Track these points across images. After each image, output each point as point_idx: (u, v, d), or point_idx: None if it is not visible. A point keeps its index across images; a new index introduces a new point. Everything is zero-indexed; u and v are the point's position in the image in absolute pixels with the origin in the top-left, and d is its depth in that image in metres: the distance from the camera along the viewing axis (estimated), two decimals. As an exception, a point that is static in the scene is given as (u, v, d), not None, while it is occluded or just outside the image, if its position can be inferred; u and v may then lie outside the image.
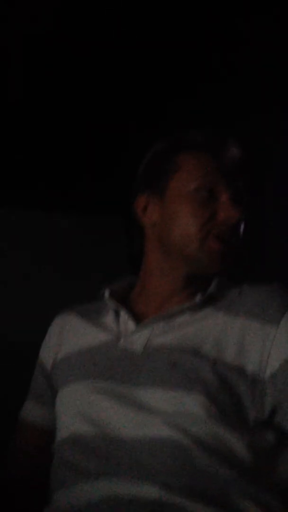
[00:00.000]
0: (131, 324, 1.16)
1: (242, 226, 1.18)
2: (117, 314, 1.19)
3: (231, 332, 1.09)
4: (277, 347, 1.06)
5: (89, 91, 2.32)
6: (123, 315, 1.18)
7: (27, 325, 1.39)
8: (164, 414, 1.02)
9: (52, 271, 2.05)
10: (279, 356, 1.05)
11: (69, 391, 1.14)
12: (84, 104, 2.30)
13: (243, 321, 1.09)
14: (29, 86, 2.27)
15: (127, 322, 1.17)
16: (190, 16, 2.18)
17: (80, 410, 1.09)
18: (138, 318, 1.17)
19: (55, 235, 2.11)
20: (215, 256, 1.14)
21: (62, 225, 2.12)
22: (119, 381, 1.08)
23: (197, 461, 0.99)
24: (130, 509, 0.96)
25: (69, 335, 1.23)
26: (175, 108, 2.27)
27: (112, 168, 1.97)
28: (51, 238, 2.11)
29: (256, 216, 1.29)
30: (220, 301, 1.15)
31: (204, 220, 1.15)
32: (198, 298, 1.14)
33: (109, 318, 1.20)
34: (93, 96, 2.34)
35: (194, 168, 1.17)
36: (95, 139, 2.28)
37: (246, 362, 1.05)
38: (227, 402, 1.02)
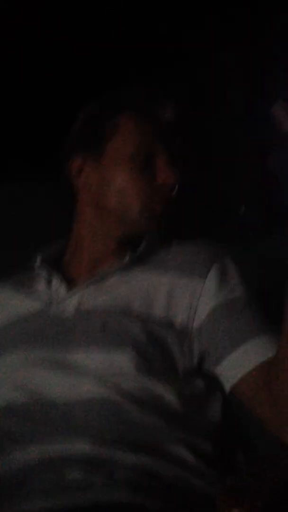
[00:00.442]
0: (62, 290, 1.17)
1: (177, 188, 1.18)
2: (49, 281, 1.20)
3: (159, 288, 1.11)
4: (203, 299, 1.09)
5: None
6: (55, 281, 1.18)
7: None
8: (95, 374, 1.04)
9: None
10: (205, 307, 1.09)
11: (2, 362, 1.14)
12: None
13: (171, 277, 1.12)
14: None
15: (59, 288, 1.17)
16: None
17: (14, 379, 1.10)
18: (71, 283, 1.18)
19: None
20: (155, 219, 1.16)
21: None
22: (51, 347, 1.10)
23: (128, 414, 1.02)
24: (64, 466, 0.98)
25: (1, 307, 1.22)
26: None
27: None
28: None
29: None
30: (149, 260, 1.17)
31: (143, 184, 1.16)
32: (127, 258, 1.16)
33: (41, 286, 1.21)
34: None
35: (132, 132, 1.18)
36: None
37: (175, 316, 1.09)
38: (156, 356, 1.05)
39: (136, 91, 1.24)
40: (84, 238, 1.21)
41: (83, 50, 2.27)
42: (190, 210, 2.25)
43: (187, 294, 1.10)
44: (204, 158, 2.39)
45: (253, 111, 2.38)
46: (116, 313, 1.10)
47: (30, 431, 1.04)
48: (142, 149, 1.17)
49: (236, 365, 1.05)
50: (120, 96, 1.23)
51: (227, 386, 1.06)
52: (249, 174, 2.29)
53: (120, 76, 2.12)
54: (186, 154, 1.24)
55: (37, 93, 2.28)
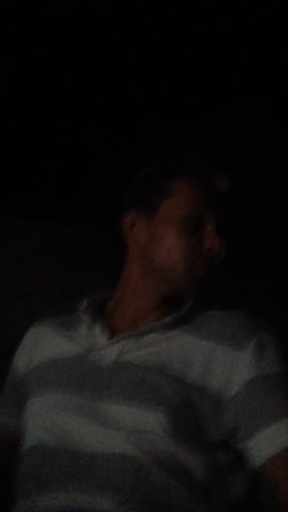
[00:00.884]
0: (104, 338, 1.18)
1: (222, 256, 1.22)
2: (90, 327, 1.22)
3: (198, 353, 1.12)
4: (240, 370, 1.10)
5: (84, 108, 2.38)
6: (98, 327, 1.20)
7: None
8: (125, 430, 1.05)
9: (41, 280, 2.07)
10: (241, 379, 1.09)
11: (36, 403, 1.15)
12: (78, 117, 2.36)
13: (211, 344, 1.13)
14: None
15: (100, 335, 1.19)
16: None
17: (45, 422, 1.11)
18: (111, 332, 1.20)
19: (49, 244, 2.14)
20: (197, 282, 1.19)
21: (56, 234, 2.15)
22: (86, 395, 1.10)
23: (152, 478, 1.02)
24: None
25: (42, 346, 1.24)
26: (169, 129, 2.33)
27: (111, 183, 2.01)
28: (43, 247, 2.14)
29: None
30: (189, 323, 1.18)
31: (190, 247, 1.19)
32: (169, 318, 1.18)
33: (83, 330, 1.22)
34: (87, 113, 2.39)
35: (186, 196, 1.22)
36: (97, 154, 2.33)
37: (210, 384, 1.09)
38: (186, 422, 1.06)
39: (194, 157, 1.28)
40: (129, 291, 1.23)
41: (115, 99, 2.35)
42: (221, 278, 2.28)
43: (224, 363, 1.10)
44: (238, 228, 2.44)
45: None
46: (153, 370, 1.10)
47: (55, 477, 1.04)
48: (193, 212, 1.21)
49: (266, 444, 1.05)
50: (179, 160, 1.27)
51: (255, 463, 1.06)
52: (276, 244, 2.32)
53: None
54: (232, 222, 1.27)
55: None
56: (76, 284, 1.42)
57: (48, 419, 1.11)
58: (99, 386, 1.11)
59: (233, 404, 1.08)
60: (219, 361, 1.10)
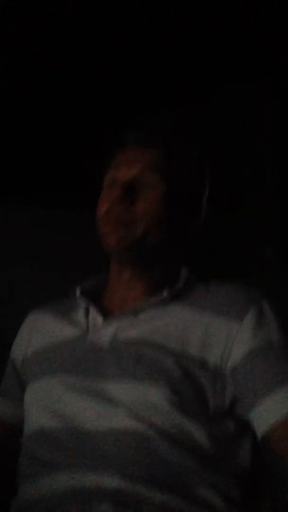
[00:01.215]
0: (99, 319, 1.18)
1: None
2: (87, 311, 1.21)
3: (196, 327, 1.12)
4: (239, 341, 1.09)
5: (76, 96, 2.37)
6: (92, 310, 1.20)
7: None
8: (128, 406, 1.05)
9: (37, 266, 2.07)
10: (240, 350, 1.09)
11: (37, 386, 1.16)
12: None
13: (208, 316, 1.12)
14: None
15: (95, 317, 1.19)
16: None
17: (47, 404, 1.11)
18: (108, 314, 1.19)
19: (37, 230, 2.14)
20: (105, 234, 1.17)
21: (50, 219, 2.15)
22: (86, 375, 1.10)
23: (159, 451, 1.02)
24: (92, 498, 0.99)
25: (39, 332, 1.24)
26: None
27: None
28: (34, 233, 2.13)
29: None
30: (186, 296, 1.18)
31: (102, 211, 1.19)
32: (165, 293, 1.17)
33: (79, 314, 1.22)
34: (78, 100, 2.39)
35: (113, 163, 1.22)
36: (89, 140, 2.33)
37: (209, 356, 1.09)
38: (189, 393, 1.06)
39: (129, 130, 1.26)
40: (111, 271, 1.24)
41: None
42: (220, 250, 2.27)
43: (223, 334, 1.10)
44: (235, 199, 2.43)
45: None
46: (151, 346, 1.10)
47: (60, 458, 1.05)
48: (111, 176, 1.21)
49: (270, 412, 1.04)
50: (122, 133, 1.26)
51: (259, 433, 1.06)
52: (280, 214, 2.31)
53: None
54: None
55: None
56: (73, 269, 1.40)
57: (49, 401, 1.11)
58: (98, 365, 1.11)
59: (235, 375, 1.08)
60: (218, 333, 1.10)
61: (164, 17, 2.24)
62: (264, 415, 1.04)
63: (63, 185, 2.31)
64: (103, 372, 1.10)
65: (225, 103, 2.45)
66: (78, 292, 1.23)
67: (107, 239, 1.17)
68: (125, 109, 2.35)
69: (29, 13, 2.13)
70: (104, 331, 1.16)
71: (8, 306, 1.97)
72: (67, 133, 2.43)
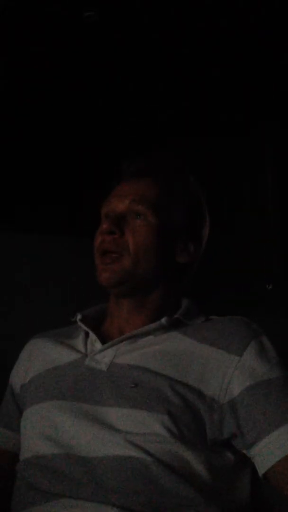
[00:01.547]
0: (97, 345, 1.18)
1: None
2: (86, 336, 1.22)
3: (195, 357, 1.11)
4: (238, 376, 1.09)
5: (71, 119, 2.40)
6: (91, 336, 1.20)
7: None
8: (126, 433, 1.04)
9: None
10: (239, 385, 1.08)
11: (33, 411, 1.15)
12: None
13: (207, 348, 1.12)
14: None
15: (94, 342, 1.19)
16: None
17: (43, 430, 1.10)
18: (107, 340, 1.19)
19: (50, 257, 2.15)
20: (98, 271, 1.19)
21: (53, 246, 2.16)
22: (83, 399, 1.10)
23: (157, 479, 1.01)
24: None
25: (39, 358, 1.24)
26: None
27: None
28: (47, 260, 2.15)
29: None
30: (186, 327, 1.18)
31: (97, 242, 1.21)
32: (164, 320, 1.17)
33: (78, 340, 1.23)
34: (74, 123, 2.42)
35: (107, 198, 1.24)
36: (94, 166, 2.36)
37: (206, 387, 1.08)
38: (187, 421, 1.05)
39: (132, 162, 1.28)
40: (111, 298, 1.24)
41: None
42: (220, 284, 2.28)
43: (222, 368, 1.09)
44: (233, 231, 2.45)
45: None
46: (149, 371, 1.10)
47: (56, 486, 1.03)
48: (103, 211, 1.23)
49: (270, 450, 1.03)
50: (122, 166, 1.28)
51: (261, 470, 1.05)
52: (278, 250, 2.32)
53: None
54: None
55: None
56: (74, 297, 1.41)
57: (45, 426, 1.10)
58: (96, 390, 1.10)
59: (234, 409, 1.07)
60: (216, 366, 1.10)
61: (166, 44, 2.28)
62: (265, 453, 1.04)
63: (65, 212, 2.34)
64: (100, 397, 1.09)
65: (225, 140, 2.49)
66: (78, 317, 1.23)
67: (100, 274, 1.18)
68: (128, 141, 2.38)
69: (26, 30, 2.17)
70: (102, 356, 1.15)
71: (8, 331, 1.97)
72: (71, 160, 2.46)
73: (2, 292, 2.13)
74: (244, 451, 1.08)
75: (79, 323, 1.23)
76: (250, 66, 2.35)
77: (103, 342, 1.18)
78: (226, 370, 1.09)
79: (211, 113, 2.53)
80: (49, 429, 1.10)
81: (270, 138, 2.43)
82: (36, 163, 2.44)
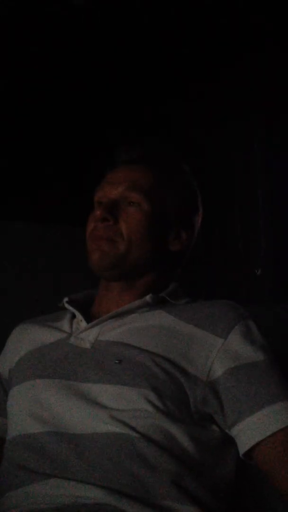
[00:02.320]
0: (83, 323, 1.20)
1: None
2: (73, 318, 1.24)
3: (179, 335, 1.12)
4: (221, 358, 1.10)
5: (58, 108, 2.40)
6: (78, 316, 1.22)
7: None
8: (111, 409, 1.06)
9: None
10: (222, 365, 1.09)
11: (19, 389, 1.16)
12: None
13: (192, 328, 1.13)
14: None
15: (79, 322, 1.21)
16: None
17: (29, 408, 1.11)
18: (93, 320, 1.20)
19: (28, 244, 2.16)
20: (90, 252, 1.21)
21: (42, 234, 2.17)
22: (67, 377, 1.11)
23: (143, 455, 1.02)
24: (75, 510, 0.98)
25: (25, 341, 1.25)
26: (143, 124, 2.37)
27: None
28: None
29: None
30: (172, 306, 1.19)
31: (90, 228, 1.23)
32: (148, 297, 1.19)
33: (64, 321, 1.24)
34: (65, 109, 2.41)
35: (100, 186, 1.26)
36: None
37: (190, 365, 1.09)
38: (172, 396, 1.06)
39: (119, 150, 1.29)
40: (101, 287, 1.26)
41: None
42: (209, 269, 2.29)
43: (205, 349, 1.10)
44: (224, 219, 2.46)
45: (274, 175, 2.45)
46: (133, 347, 1.11)
47: (43, 466, 1.04)
48: (96, 198, 1.25)
49: (253, 430, 1.05)
50: (114, 153, 1.29)
51: (241, 450, 1.06)
52: (267, 236, 2.33)
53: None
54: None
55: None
56: (64, 284, 1.42)
57: (32, 404, 1.11)
58: (81, 367, 1.11)
59: (216, 389, 1.08)
60: (199, 345, 1.11)
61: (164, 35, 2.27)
62: (248, 433, 1.05)
63: (58, 201, 2.34)
64: (84, 374, 1.10)
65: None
66: (65, 299, 1.25)
67: (92, 255, 1.20)
68: (121, 129, 2.38)
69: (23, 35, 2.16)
70: (86, 334, 1.17)
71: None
72: (64, 149, 2.46)
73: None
74: (227, 431, 1.09)
75: (66, 305, 1.24)
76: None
77: (89, 322, 1.19)
78: (210, 351, 1.10)
79: (206, 104, 2.52)
80: (35, 407, 1.10)
81: (261, 128, 2.44)
82: (28, 151, 2.43)
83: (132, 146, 1.28)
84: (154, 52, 2.31)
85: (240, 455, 1.07)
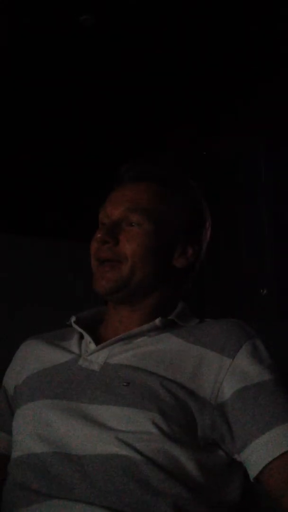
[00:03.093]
0: (92, 345, 1.19)
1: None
2: (81, 338, 1.23)
3: (187, 357, 1.12)
4: (229, 378, 1.09)
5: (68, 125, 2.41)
6: (86, 337, 1.21)
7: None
8: (117, 431, 1.05)
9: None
10: (230, 388, 1.08)
11: (25, 410, 1.15)
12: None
13: (201, 349, 1.13)
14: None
15: (88, 344, 1.20)
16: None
17: (35, 428, 1.11)
18: (101, 342, 1.19)
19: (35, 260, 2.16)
20: (94, 279, 1.21)
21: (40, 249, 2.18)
22: (75, 398, 1.10)
23: (147, 478, 1.01)
24: None
25: (32, 359, 1.24)
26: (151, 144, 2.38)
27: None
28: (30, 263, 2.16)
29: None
30: (180, 327, 1.19)
31: (93, 250, 1.22)
32: (158, 321, 1.18)
33: (72, 341, 1.23)
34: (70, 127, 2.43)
35: (104, 204, 1.25)
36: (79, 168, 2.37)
37: (199, 388, 1.09)
38: (179, 420, 1.05)
39: (122, 168, 1.28)
40: (110, 308, 1.25)
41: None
42: (215, 289, 2.29)
43: (214, 369, 1.10)
44: (230, 240, 2.46)
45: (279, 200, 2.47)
46: (142, 370, 1.10)
47: (47, 486, 1.03)
48: (100, 217, 1.24)
49: (261, 452, 1.03)
50: (118, 171, 1.28)
51: (252, 474, 1.05)
52: (271, 257, 2.34)
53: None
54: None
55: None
56: (70, 301, 1.42)
57: (37, 425, 1.10)
58: (88, 389, 1.11)
59: (224, 411, 1.07)
60: (209, 367, 1.10)
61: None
62: (255, 456, 1.04)
63: (64, 217, 2.35)
64: (91, 395, 1.09)
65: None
66: (73, 319, 1.24)
67: (96, 282, 1.19)
68: (128, 145, 2.39)
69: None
70: (96, 356, 1.16)
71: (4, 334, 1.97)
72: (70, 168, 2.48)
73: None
74: (236, 456, 1.08)
75: (74, 325, 1.24)
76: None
77: (97, 344, 1.18)
78: (219, 372, 1.09)
79: (209, 115, 2.53)
80: (40, 427, 1.10)
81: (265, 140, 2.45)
82: (36, 167, 2.45)
83: (135, 162, 1.27)
84: (154, 62, 2.32)
85: (251, 479, 1.06)
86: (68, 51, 2.25)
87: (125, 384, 1.08)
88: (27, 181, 2.41)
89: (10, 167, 2.39)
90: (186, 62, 2.30)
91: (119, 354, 1.15)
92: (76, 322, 1.24)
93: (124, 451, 1.02)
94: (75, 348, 1.21)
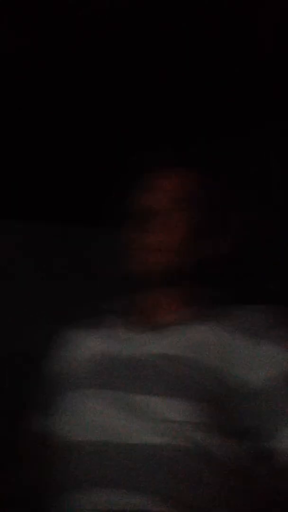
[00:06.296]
0: (133, 334, 1.19)
1: None
2: (118, 325, 1.22)
3: (219, 345, 1.12)
4: (262, 365, 1.10)
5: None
6: (124, 323, 1.21)
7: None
8: (155, 421, 1.06)
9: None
10: (264, 372, 1.10)
11: (76, 399, 1.15)
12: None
13: (232, 336, 1.13)
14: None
15: (126, 330, 1.20)
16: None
17: (84, 417, 1.12)
18: (140, 329, 1.20)
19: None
20: (137, 266, 1.20)
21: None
22: (120, 388, 1.11)
23: (186, 468, 1.03)
24: None
25: (76, 348, 1.25)
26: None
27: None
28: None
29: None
30: (212, 315, 1.18)
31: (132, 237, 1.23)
32: (189, 310, 1.19)
33: (112, 329, 1.23)
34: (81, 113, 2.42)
35: (137, 192, 1.24)
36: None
37: (230, 375, 1.09)
38: (216, 410, 1.06)
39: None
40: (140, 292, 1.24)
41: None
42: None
43: (247, 356, 1.11)
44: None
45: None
46: (177, 359, 1.11)
47: (88, 475, 1.06)
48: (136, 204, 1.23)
49: None
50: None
51: (283, 461, 1.06)
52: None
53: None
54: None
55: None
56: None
57: (86, 415, 1.12)
58: (132, 378, 1.11)
59: (256, 398, 1.08)
60: (241, 354, 1.11)
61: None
62: (285, 444, 1.05)
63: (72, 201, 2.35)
64: (136, 385, 1.10)
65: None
66: (109, 307, 1.25)
67: (137, 267, 1.18)
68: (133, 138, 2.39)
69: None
70: (133, 344, 1.16)
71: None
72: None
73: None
74: (264, 443, 1.08)
75: (110, 314, 1.24)
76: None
77: (138, 329, 1.19)
78: (251, 359, 1.10)
79: (215, 114, 2.54)
80: (89, 416, 1.11)
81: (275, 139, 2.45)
82: (41, 152, 2.44)
83: (164, 149, 1.28)
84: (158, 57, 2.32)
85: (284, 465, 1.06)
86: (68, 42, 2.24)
87: (161, 373, 1.09)
88: (29, 164, 2.40)
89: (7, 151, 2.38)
90: (189, 58, 2.31)
91: (153, 344, 1.15)
92: (112, 310, 1.25)
93: (162, 441, 1.04)
94: (113, 336, 1.21)
